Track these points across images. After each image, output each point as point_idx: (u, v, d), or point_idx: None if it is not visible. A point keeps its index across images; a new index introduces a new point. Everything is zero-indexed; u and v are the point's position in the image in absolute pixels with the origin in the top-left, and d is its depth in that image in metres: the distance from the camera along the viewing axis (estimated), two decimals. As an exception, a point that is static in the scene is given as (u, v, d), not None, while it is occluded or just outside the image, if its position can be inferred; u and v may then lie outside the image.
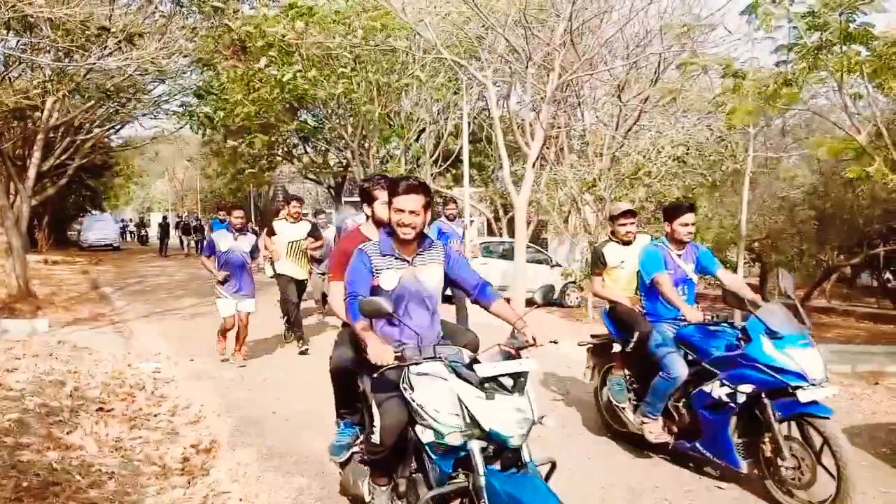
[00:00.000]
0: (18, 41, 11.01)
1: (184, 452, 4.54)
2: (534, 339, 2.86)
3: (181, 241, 29.35)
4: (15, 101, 11.55)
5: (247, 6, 14.53)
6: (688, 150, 11.86)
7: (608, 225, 5.70)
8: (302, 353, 7.75)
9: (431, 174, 16.34)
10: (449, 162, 17.38)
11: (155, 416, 5.37)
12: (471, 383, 2.67)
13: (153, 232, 36.95)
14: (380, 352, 2.75)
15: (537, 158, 10.95)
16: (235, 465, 4.33)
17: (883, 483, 4.12)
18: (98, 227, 31.36)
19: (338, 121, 16.94)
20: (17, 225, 11.67)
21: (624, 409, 4.71)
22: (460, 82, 13.19)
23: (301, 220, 8.20)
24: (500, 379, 2.64)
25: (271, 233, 8.10)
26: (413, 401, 2.79)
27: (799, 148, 13.69)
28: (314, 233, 8.15)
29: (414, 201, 2.94)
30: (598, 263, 5.08)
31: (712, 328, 4.27)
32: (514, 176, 11.32)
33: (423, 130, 16.17)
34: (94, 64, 9.92)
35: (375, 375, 2.92)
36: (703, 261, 4.60)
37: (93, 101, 15.28)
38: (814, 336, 3.94)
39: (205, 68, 16.43)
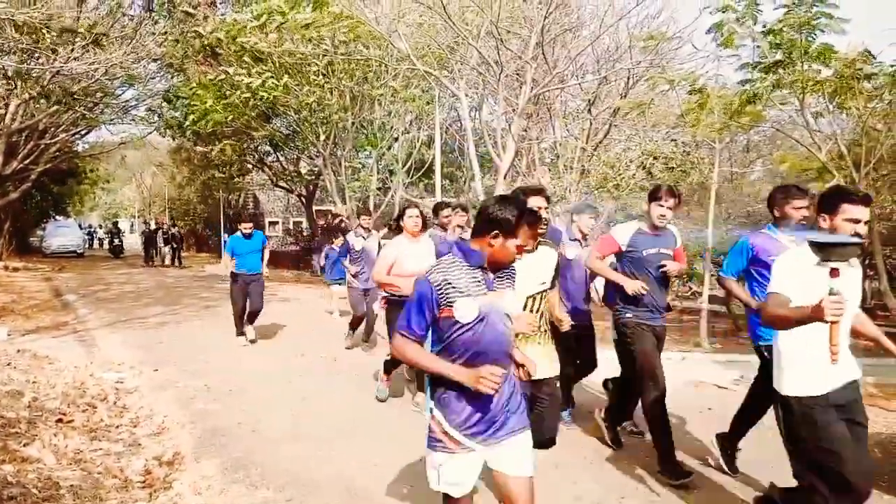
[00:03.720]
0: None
1: (146, 465, 4.44)
2: None
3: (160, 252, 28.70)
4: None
5: (219, 11, 14.44)
6: (654, 160, 12.08)
7: None
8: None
9: (404, 184, 16.34)
10: (421, 172, 17.40)
11: (117, 427, 5.24)
12: None
13: (131, 241, 36.10)
14: None
15: (508, 170, 11.04)
16: (199, 477, 4.25)
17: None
18: (62, 234, 30.68)
19: (309, 128, 16.87)
20: (-24, 230, 11.36)
21: None
22: (433, 92, 13.25)
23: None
24: None
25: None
26: None
27: (763, 163, 14.01)
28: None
29: None
30: None
31: None
32: (486, 187, 11.39)
33: (395, 140, 16.17)
34: (61, 67, 9.74)
35: None
36: None
37: (58, 106, 14.98)
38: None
39: (175, 74, 16.26)
